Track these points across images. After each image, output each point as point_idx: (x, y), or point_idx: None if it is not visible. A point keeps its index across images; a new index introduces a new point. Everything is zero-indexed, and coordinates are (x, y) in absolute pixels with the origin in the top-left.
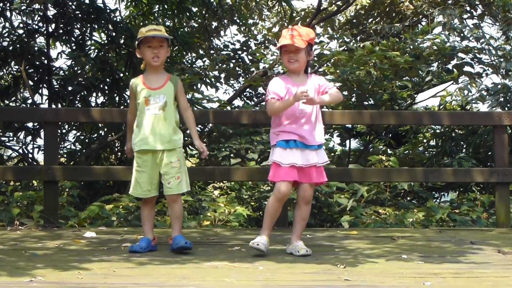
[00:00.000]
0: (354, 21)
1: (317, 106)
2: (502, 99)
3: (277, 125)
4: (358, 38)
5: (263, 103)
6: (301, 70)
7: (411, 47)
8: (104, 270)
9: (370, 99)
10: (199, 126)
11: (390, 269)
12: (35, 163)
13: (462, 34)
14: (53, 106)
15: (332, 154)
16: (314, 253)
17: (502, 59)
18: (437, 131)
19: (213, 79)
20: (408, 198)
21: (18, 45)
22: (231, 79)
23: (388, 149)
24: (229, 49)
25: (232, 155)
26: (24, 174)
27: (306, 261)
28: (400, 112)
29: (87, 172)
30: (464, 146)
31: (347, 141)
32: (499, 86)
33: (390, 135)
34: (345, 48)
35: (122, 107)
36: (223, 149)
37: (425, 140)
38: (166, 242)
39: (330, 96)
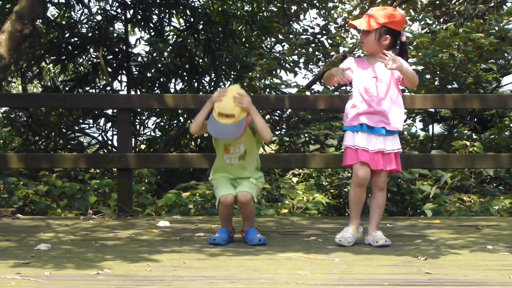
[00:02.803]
0: (437, 2)
1: (394, 88)
2: None
3: (349, 105)
4: (441, 20)
5: (343, 87)
6: (375, 53)
7: (496, 28)
8: (174, 261)
9: (454, 82)
10: (277, 112)
11: (474, 261)
12: (114, 150)
13: None
14: (132, 92)
15: (415, 139)
16: (393, 243)
17: None
18: None
19: (291, 64)
20: (494, 185)
21: (96, 32)
22: (310, 63)
23: (473, 134)
24: (308, 33)
25: (311, 141)
26: (97, 162)
27: (385, 253)
28: (485, 95)
29: (161, 160)
30: None
31: (430, 126)
32: None
33: (475, 119)
34: (428, 31)
35: (201, 93)
36: (302, 136)
37: (511, 124)
38: (239, 232)
39: (408, 69)
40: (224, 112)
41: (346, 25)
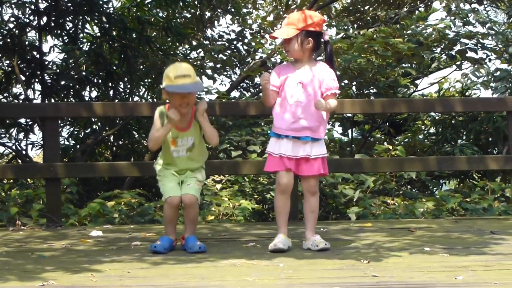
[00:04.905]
0: (351, 8)
1: (316, 95)
2: (510, 85)
3: (276, 110)
4: (355, 25)
5: (261, 93)
6: (301, 58)
7: (410, 32)
8: (118, 271)
9: (372, 87)
10: None
11: (416, 263)
12: (27, 159)
13: (465, 19)
14: (46, 101)
15: (332, 144)
16: (332, 247)
17: (509, 43)
18: (436, 117)
19: (209, 71)
20: (409, 187)
21: (9, 39)
22: (228, 68)
23: (388, 138)
24: (224, 40)
25: (232, 148)
26: (25, 172)
27: (327, 257)
28: (412, 100)
29: (90, 169)
30: (464, 133)
31: (349, 131)
32: (510, 71)
33: (387, 123)
34: (344, 36)
35: (116, 100)
36: (223, 142)
37: (423, 127)
38: (178, 239)
39: (329, 106)
40: (181, 73)
41: (262, 31)
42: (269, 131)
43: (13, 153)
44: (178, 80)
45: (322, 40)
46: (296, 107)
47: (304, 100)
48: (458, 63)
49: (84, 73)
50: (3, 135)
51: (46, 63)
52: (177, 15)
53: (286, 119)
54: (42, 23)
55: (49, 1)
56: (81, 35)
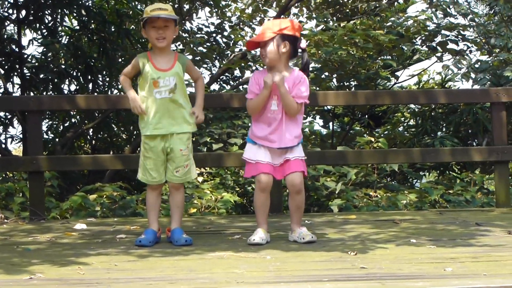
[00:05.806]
0: (330, 0)
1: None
2: (490, 76)
3: (253, 121)
4: (334, 18)
5: (240, 86)
6: (276, 64)
7: (390, 24)
8: (105, 264)
9: (353, 79)
10: None
11: (403, 255)
12: (7, 152)
13: (446, 10)
14: (25, 94)
15: (313, 136)
16: (319, 239)
17: (490, 35)
18: (416, 110)
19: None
20: (389, 179)
21: None
22: (207, 61)
23: (368, 130)
24: (203, 32)
25: (213, 140)
26: (8, 166)
27: (314, 249)
28: (396, 91)
29: (73, 162)
30: (444, 125)
31: (330, 123)
32: (490, 63)
33: (366, 116)
34: (324, 28)
35: (95, 93)
36: (204, 135)
37: (402, 119)
38: (164, 231)
39: (290, 100)
40: (157, 7)
41: (241, 23)
42: (249, 124)
43: None
44: (153, 12)
45: (299, 47)
46: (272, 118)
47: (280, 112)
48: (438, 54)
49: (63, 66)
50: None
51: (25, 56)
52: None
53: (263, 128)
54: (21, 16)
55: None
56: (60, 28)
